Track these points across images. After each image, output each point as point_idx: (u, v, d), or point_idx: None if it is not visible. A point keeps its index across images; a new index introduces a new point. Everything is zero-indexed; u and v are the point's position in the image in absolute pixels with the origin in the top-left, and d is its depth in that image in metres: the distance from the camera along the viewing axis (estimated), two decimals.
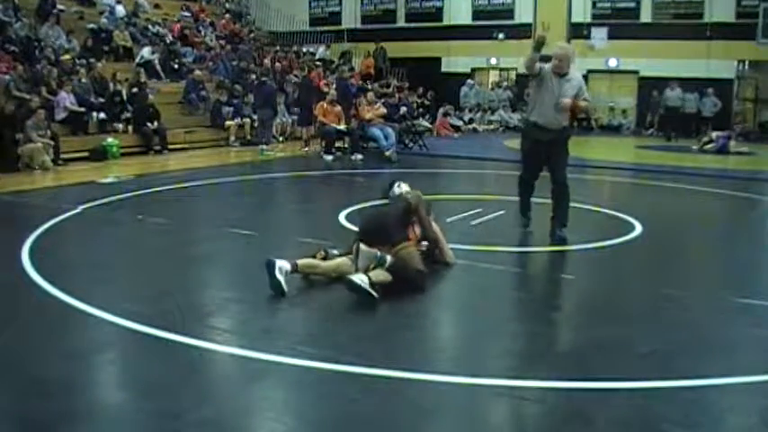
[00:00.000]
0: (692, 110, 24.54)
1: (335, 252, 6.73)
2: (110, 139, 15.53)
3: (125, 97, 17.14)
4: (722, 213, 11.47)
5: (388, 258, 6.18)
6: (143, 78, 18.17)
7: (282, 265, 6.08)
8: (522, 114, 8.75)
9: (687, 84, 24.33)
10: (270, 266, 6.03)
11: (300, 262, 6.32)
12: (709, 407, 4.15)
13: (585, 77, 26.03)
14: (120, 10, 22.00)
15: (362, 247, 6.30)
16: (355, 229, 7.21)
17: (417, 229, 6.97)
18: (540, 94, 8.16)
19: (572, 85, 8.09)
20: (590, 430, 3.85)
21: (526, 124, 8.75)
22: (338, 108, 16.62)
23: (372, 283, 5.87)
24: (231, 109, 19.16)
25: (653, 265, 7.63)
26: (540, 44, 7.97)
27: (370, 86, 21.47)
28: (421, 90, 25.65)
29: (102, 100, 16.67)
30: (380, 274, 6.05)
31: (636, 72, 25.66)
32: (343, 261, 6.47)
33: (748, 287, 6.63)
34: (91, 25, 20.25)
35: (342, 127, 16.45)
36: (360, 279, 5.87)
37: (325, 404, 4.11)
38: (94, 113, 16.18)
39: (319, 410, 4.04)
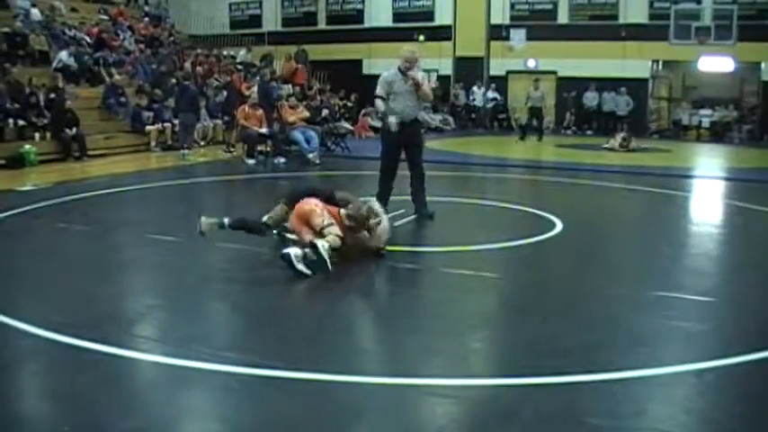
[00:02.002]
0: (608, 109, 25.18)
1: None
2: (27, 146, 15.14)
3: (42, 103, 16.72)
4: (638, 209, 11.77)
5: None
6: (60, 83, 17.77)
7: (296, 252, 6.51)
8: (379, 116, 9.98)
9: (604, 83, 24.91)
10: (285, 258, 6.47)
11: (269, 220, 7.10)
12: (633, 398, 4.24)
13: (505, 78, 26.59)
14: (36, 13, 21.44)
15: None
16: None
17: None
18: (392, 95, 9.35)
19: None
20: (517, 426, 3.89)
21: (383, 122, 9.72)
22: (260, 111, 16.49)
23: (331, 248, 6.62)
24: (151, 114, 18.87)
25: (573, 262, 7.78)
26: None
27: (291, 91, 21.44)
28: (343, 92, 25.62)
29: (17, 106, 16.24)
30: (333, 240, 6.73)
31: (554, 72, 26.09)
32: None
33: (664, 281, 6.80)
34: (5, 29, 19.68)
35: (264, 130, 16.33)
36: (321, 245, 6.54)
37: (251, 409, 4.08)
38: (11, 120, 15.76)
39: (245, 416, 4.00)
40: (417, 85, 9.30)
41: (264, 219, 7.25)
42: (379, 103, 9.59)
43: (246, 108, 16.42)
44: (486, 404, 4.22)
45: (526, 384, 4.36)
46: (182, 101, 17.69)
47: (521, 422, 3.92)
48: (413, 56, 9.42)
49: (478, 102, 27.09)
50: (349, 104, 25.36)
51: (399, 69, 9.38)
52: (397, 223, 9.14)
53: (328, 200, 7.40)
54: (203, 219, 7.19)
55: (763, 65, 23.99)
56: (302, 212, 7.02)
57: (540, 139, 22.54)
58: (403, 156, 9.68)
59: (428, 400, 4.29)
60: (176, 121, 18.27)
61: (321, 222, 6.87)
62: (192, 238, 7.25)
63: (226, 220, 7.20)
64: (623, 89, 24.74)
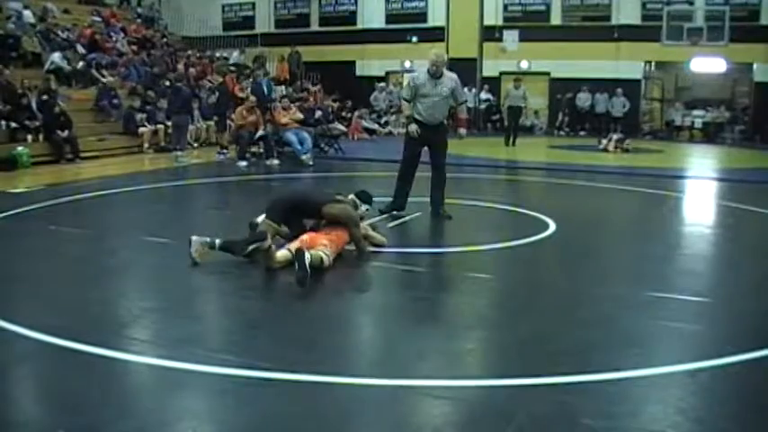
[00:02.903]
0: (601, 110, 25.25)
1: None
2: (19, 148, 15.11)
3: (34, 105, 16.67)
4: (632, 209, 11.79)
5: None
6: (53, 85, 17.71)
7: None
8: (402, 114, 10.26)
9: (597, 84, 24.99)
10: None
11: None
12: (627, 399, 4.25)
13: (498, 79, 26.58)
14: (28, 15, 21.37)
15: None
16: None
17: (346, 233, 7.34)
18: (418, 98, 9.48)
19: (446, 85, 9.47)
20: (511, 426, 3.89)
21: (408, 122, 9.79)
22: (256, 114, 16.40)
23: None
24: (144, 115, 18.84)
25: (567, 263, 7.78)
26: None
27: (284, 92, 21.43)
28: (337, 95, 25.58)
29: (9, 107, 16.18)
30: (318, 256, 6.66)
31: (547, 73, 26.12)
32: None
33: (658, 281, 6.81)
34: None
35: (260, 133, 16.27)
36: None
37: (246, 412, 4.06)
38: (3, 122, 15.72)
39: (240, 418, 3.99)
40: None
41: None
42: (404, 105, 9.81)
43: (243, 110, 16.38)
44: (481, 405, 4.22)
45: (520, 385, 4.37)
46: (175, 102, 17.66)
47: (516, 422, 3.92)
48: (439, 59, 9.49)
49: (470, 103, 27.07)
50: (345, 108, 25.26)
51: (428, 72, 9.48)
52: (390, 225, 9.17)
53: (315, 214, 7.51)
54: (194, 239, 7.03)
55: (755, 66, 24.08)
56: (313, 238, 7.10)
57: (513, 143, 21.50)
58: (426, 157, 9.81)
59: (423, 401, 4.29)
60: (169, 123, 18.25)
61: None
62: (186, 240, 7.22)
63: (217, 241, 7.04)
64: (619, 90, 24.82)
